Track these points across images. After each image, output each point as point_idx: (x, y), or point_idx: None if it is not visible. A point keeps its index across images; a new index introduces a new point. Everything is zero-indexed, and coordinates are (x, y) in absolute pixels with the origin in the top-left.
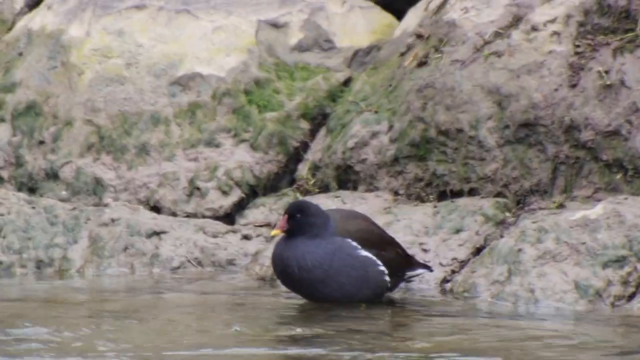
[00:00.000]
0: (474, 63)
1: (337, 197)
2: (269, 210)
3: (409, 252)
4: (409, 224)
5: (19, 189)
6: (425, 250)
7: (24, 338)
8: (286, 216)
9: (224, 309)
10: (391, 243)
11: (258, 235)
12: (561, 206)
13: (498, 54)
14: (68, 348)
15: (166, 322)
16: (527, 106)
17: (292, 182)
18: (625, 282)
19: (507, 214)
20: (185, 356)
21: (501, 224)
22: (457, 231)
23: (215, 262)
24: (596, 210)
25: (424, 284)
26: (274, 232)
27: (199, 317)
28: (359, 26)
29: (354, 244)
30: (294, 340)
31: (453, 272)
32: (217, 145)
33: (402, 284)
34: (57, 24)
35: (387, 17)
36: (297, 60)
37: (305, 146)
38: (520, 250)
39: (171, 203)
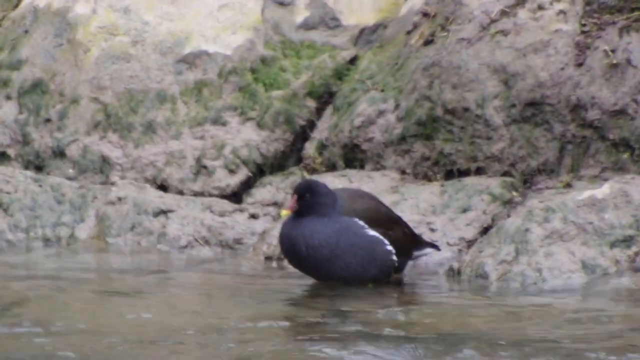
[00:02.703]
0: (481, 42)
1: (344, 176)
2: (276, 189)
3: (416, 231)
4: (416, 203)
5: (26, 167)
6: (432, 230)
7: (26, 317)
8: (296, 196)
9: (231, 289)
10: (398, 222)
11: (265, 214)
12: (568, 186)
13: (504, 33)
14: (72, 326)
15: (171, 302)
16: (534, 85)
17: (299, 160)
18: (632, 262)
19: (514, 193)
20: (190, 335)
21: (508, 203)
22: (464, 210)
23: (223, 241)
24: (603, 190)
25: (431, 263)
26: (283, 212)
27: (205, 297)
28: (365, 4)
29: (361, 223)
30: (299, 319)
31: (460, 251)
32: (224, 124)
33: (410, 263)
34: (63, 1)
35: None
36: (303, 38)
37: (311, 125)
38: (527, 229)
39: (178, 181)
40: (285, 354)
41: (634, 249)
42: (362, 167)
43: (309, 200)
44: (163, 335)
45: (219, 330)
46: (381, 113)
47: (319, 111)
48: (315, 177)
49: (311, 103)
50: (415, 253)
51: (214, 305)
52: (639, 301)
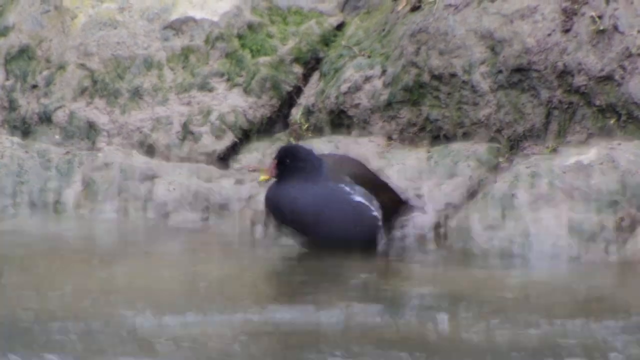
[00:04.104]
0: (468, 8)
1: (330, 141)
2: (262, 155)
3: (403, 196)
4: (402, 168)
5: (12, 133)
6: (419, 195)
7: (13, 283)
8: (275, 161)
9: (216, 253)
10: (385, 188)
11: (252, 180)
12: (554, 151)
13: None
14: (57, 290)
15: (156, 266)
16: (520, 51)
17: (285, 126)
18: (618, 227)
19: (501, 159)
20: (177, 300)
21: (495, 168)
22: (451, 176)
23: (209, 207)
24: (590, 156)
25: (417, 229)
26: (262, 177)
27: (190, 261)
28: None
29: (347, 188)
30: (283, 285)
31: (447, 217)
32: (210, 90)
33: (397, 229)
34: None
35: None
36: (290, 4)
37: (298, 91)
38: (514, 195)
39: (164, 147)
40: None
41: (620, 214)
42: (348, 132)
43: (289, 165)
44: (144, 298)
45: (203, 291)
46: (368, 79)
47: (306, 77)
48: (302, 143)
49: (298, 69)
50: (402, 218)
51: (199, 269)
52: (623, 266)
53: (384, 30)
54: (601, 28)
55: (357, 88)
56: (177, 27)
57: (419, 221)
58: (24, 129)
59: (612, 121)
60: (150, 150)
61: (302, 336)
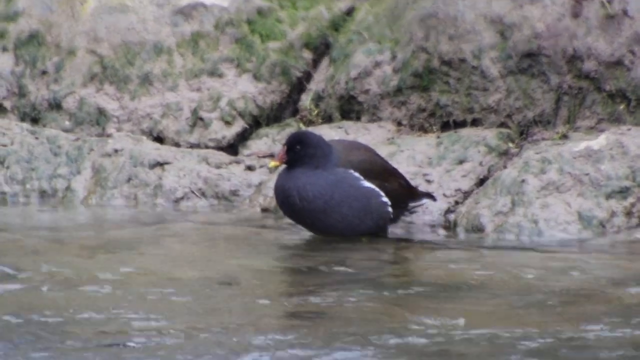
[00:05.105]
0: None
1: (340, 127)
2: (272, 141)
3: (412, 183)
4: (412, 154)
5: (22, 119)
6: (428, 181)
7: (24, 269)
8: (285, 147)
9: (226, 240)
10: (394, 174)
11: (262, 166)
12: (564, 137)
13: None
14: (70, 278)
15: (166, 253)
16: (530, 36)
17: (295, 112)
18: (628, 213)
19: (511, 145)
20: (186, 284)
21: (504, 154)
22: (461, 162)
23: (219, 193)
24: (599, 141)
25: (427, 215)
26: (272, 163)
27: (200, 248)
28: None
29: (357, 174)
30: (293, 272)
31: (457, 203)
32: (220, 76)
33: (406, 215)
34: None
35: None
36: None
37: (308, 76)
38: (523, 181)
39: (174, 133)
40: (278, 302)
41: (630, 200)
42: (358, 118)
43: (299, 151)
44: (155, 285)
45: (213, 280)
46: (377, 64)
47: (315, 63)
48: (311, 129)
49: (307, 54)
50: (411, 204)
51: (209, 256)
52: (633, 254)
53: (393, 15)
54: (611, 13)
55: (366, 73)
56: (187, 12)
57: (429, 207)
58: (34, 115)
59: (621, 106)
60: (160, 136)
61: None
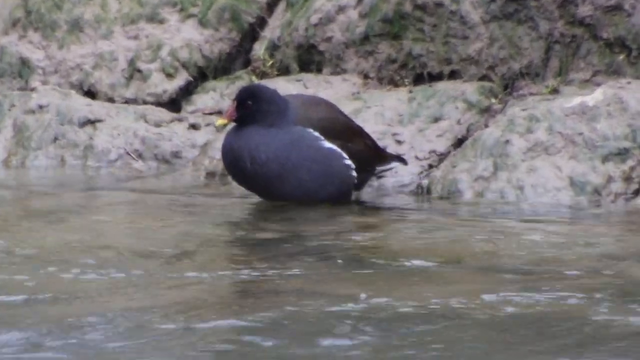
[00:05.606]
0: None
1: (298, 80)
2: (220, 96)
3: (381, 143)
4: (380, 111)
5: None
6: (399, 142)
7: None
8: (235, 103)
9: (166, 208)
10: (359, 133)
11: (207, 125)
12: (555, 91)
13: None
14: None
15: (97, 223)
16: None
17: (246, 63)
18: (627, 178)
19: (493, 100)
20: (108, 259)
21: (486, 111)
22: (436, 120)
23: (159, 155)
24: (595, 96)
25: (397, 179)
26: (220, 121)
27: (137, 217)
28: None
29: (316, 134)
30: (242, 243)
31: (431, 166)
32: (161, 21)
33: (373, 180)
34: None
35: None
36: None
37: (262, 22)
38: (507, 141)
39: (108, 87)
40: (222, 279)
41: (630, 163)
42: (319, 70)
43: (251, 107)
44: (82, 259)
45: (149, 253)
46: (341, 9)
47: (270, 7)
48: (265, 82)
49: None
50: (379, 168)
51: (146, 226)
52: (630, 223)
53: None
54: None
55: (329, 19)
56: None
57: (399, 171)
58: None
59: (621, 57)
60: (91, 90)
61: None
